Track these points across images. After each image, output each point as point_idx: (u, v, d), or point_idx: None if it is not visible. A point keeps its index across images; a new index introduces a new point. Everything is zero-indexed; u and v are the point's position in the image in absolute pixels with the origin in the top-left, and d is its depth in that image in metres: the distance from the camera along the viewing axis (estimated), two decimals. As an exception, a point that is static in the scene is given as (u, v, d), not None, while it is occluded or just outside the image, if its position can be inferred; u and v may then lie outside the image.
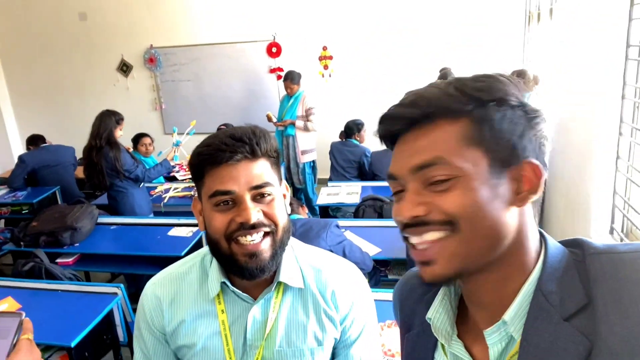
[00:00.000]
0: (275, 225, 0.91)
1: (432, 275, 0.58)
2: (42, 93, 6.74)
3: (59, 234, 2.99)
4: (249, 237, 0.87)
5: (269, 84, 6.07)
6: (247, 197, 0.87)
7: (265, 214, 0.90)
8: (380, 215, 3.06)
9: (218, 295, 0.96)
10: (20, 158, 4.34)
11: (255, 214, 0.87)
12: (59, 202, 4.32)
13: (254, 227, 0.87)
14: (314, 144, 4.89)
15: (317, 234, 2.39)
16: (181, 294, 1.00)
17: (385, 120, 0.61)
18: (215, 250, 0.92)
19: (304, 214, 2.67)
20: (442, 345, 0.67)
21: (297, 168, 4.83)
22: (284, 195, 0.98)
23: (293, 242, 1.04)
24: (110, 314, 2.27)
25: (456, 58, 5.20)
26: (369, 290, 1.07)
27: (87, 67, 6.50)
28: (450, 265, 0.57)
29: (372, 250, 2.68)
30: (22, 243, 3.00)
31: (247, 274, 0.90)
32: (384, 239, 2.80)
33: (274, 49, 5.97)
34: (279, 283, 0.96)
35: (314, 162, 4.94)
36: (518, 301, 0.57)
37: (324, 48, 5.81)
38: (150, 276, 1.06)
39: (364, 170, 4.21)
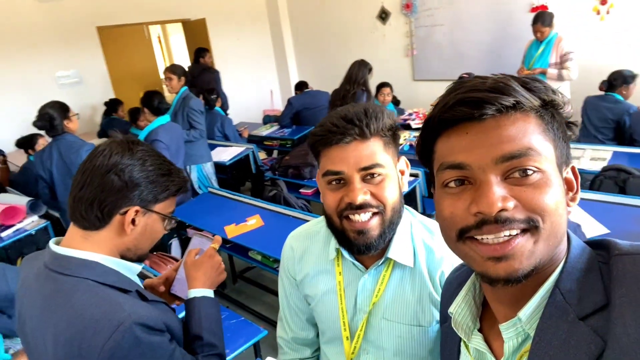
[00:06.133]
0: (384, 205, 0.93)
1: (509, 271, 0.55)
2: (316, 44, 7.74)
3: (302, 169, 3.59)
4: (357, 216, 0.93)
5: (528, 26, 5.41)
6: (356, 177, 0.91)
7: (373, 195, 0.92)
8: (622, 190, 2.54)
9: (337, 257, 1.07)
10: (288, 101, 5.24)
11: (361, 195, 0.91)
12: (314, 140, 5.06)
13: (361, 207, 0.91)
14: (569, 96, 4.23)
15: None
16: (310, 249, 1.14)
17: (466, 103, 0.56)
18: (330, 224, 1.00)
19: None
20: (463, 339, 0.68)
21: None
22: (402, 172, 0.99)
23: (413, 219, 1.06)
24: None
25: None
26: None
27: (353, 17, 7.08)
28: (529, 262, 0.55)
29: (596, 230, 2.29)
30: (276, 172, 3.74)
31: (355, 249, 0.97)
32: (617, 218, 2.34)
33: (540, -16, 5.25)
34: (389, 259, 1.01)
35: None
36: (535, 299, 0.57)
37: (605, -23, 4.78)
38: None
39: (623, 132, 3.46)
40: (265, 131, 5.31)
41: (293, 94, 7.87)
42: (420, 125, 4.69)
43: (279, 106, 8.41)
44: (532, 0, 5.34)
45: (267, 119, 6.13)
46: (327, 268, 1.11)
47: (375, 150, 0.93)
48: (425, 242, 1.03)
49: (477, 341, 0.65)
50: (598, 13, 4.92)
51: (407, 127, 4.76)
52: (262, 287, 3.51)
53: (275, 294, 3.38)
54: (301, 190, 3.65)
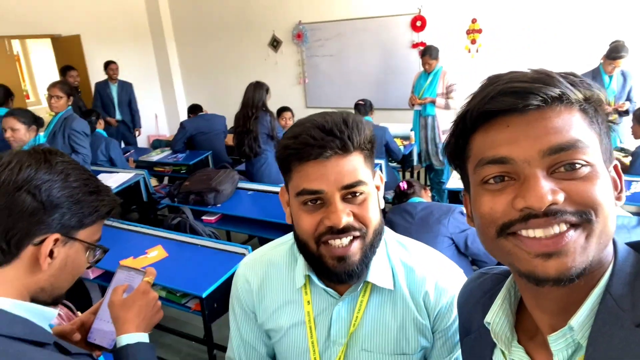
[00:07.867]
0: (366, 227, 0.83)
1: (561, 269, 0.50)
2: (205, 67, 7.53)
3: (205, 194, 3.35)
4: (337, 241, 0.82)
5: (410, 60, 5.89)
6: (337, 197, 0.79)
7: (356, 216, 0.82)
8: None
9: (305, 285, 0.94)
10: (182, 124, 4.93)
11: (345, 217, 0.79)
12: (210, 165, 4.83)
13: (344, 230, 0.80)
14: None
15: (438, 219, 2.28)
16: (270, 278, 1.00)
17: (510, 93, 0.52)
18: (304, 250, 0.88)
19: (426, 197, 2.57)
20: (502, 351, 0.62)
21: (437, 149, 4.63)
22: (378, 187, 0.89)
23: (387, 236, 0.97)
24: (237, 272, 2.49)
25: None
26: None
27: (243, 43, 7.04)
28: (582, 260, 0.50)
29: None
30: (175, 199, 3.44)
31: (334, 278, 0.85)
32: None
33: (418, 23, 5.75)
34: (366, 282, 0.91)
35: None
36: (587, 305, 0.53)
37: (473, 21, 5.41)
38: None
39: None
40: (155, 156, 4.92)
41: (180, 118, 7.56)
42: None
43: (164, 131, 7.94)
44: (412, 37, 5.83)
45: (158, 144, 5.71)
46: (293, 298, 0.97)
47: (356, 165, 0.81)
48: (404, 261, 0.95)
49: (519, 354, 0.60)
50: (469, 52, 5.54)
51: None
52: (160, 328, 3.15)
53: (178, 333, 3.09)
54: (204, 218, 3.40)
